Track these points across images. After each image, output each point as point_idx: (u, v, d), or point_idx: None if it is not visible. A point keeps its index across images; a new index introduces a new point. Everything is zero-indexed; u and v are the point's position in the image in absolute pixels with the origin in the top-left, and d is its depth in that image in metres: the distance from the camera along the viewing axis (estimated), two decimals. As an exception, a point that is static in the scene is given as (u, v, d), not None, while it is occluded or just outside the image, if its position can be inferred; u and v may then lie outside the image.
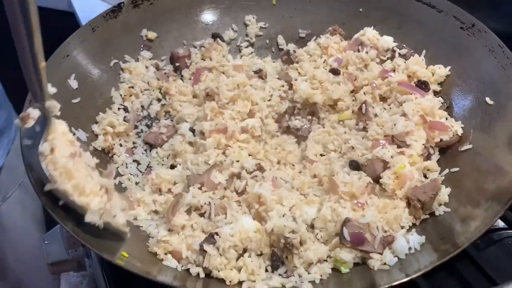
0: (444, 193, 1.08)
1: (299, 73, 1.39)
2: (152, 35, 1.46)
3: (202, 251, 0.99)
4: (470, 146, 1.15)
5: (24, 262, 1.77)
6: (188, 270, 1.00)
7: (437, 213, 1.06)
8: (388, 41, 1.41)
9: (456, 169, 1.13)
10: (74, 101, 1.27)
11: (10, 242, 1.78)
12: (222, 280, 0.98)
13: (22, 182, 1.74)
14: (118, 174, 1.24)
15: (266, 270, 1.02)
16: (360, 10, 1.49)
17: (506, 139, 1.09)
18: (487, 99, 1.18)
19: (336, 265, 1.00)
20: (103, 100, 1.34)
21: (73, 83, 1.28)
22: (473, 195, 1.05)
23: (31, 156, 0.92)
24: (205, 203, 1.09)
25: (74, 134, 1.21)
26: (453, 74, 1.30)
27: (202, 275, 0.99)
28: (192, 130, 1.29)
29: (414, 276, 0.90)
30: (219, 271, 0.99)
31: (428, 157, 1.17)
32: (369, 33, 1.43)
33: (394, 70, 1.34)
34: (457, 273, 0.96)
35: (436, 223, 1.05)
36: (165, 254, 1.03)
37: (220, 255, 0.99)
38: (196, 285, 0.96)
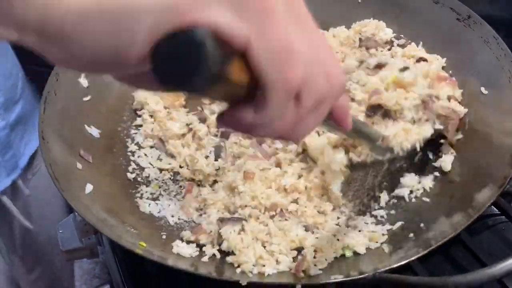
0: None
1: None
2: (158, 30, 1.50)
3: (219, 222, 1.09)
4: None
5: (49, 238, 1.84)
6: (201, 255, 1.06)
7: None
8: (388, 33, 1.45)
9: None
10: (85, 99, 1.32)
11: (37, 218, 1.84)
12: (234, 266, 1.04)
13: None
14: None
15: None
16: (359, 1, 1.53)
17: (500, 128, 1.15)
18: (482, 89, 1.23)
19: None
20: (113, 97, 1.39)
21: (84, 82, 1.33)
22: (467, 183, 1.10)
23: None
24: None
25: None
26: (449, 65, 1.34)
27: (217, 254, 1.05)
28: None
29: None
30: (231, 252, 1.05)
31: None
32: (371, 24, 1.47)
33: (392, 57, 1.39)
34: (451, 257, 1.03)
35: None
36: (181, 241, 1.10)
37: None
38: (211, 271, 1.01)
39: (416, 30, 1.42)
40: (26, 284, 1.83)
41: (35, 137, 1.77)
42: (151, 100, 1.37)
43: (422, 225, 1.06)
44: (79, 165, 1.17)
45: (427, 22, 1.41)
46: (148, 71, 0.53)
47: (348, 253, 1.05)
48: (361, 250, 1.04)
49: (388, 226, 1.09)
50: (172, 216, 1.19)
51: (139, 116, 1.38)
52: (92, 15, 0.49)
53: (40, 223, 1.84)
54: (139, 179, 1.28)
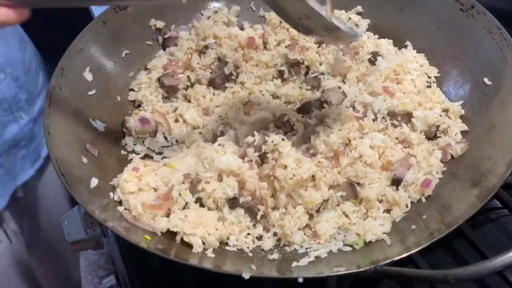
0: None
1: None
2: (160, 24, 1.50)
3: None
4: (468, 128, 1.21)
5: (55, 230, 1.86)
6: (206, 249, 1.07)
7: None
8: None
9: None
10: (90, 93, 1.33)
11: (44, 210, 1.87)
12: (236, 254, 1.07)
13: None
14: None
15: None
16: (365, -9, 1.52)
17: (503, 120, 1.14)
18: (485, 79, 1.23)
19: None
20: (117, 90, 1.40)
21: (88, 76, 1.34)
22: (469, 176, 1.10)
23: None
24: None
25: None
26: (452, 55, 1.34)
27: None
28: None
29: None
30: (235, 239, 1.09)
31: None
32: None
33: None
34: (453, 250, 1.03)
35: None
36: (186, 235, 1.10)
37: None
38: (215, 265, 1.02)
39: (419, 21, 1.42)
40: (36, 276, 1.86)
41: None
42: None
43: (424, 217, 1.06)
44: (84, 159, 1.18)
45: (431, 13, 1.40)
46: None
47: (360, 245, 1.05)
48: (372, 238, 1.05)
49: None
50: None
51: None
52: None
53: (47, 216, 1.86)
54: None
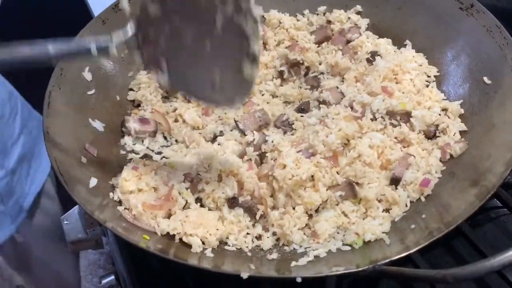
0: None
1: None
2: (160, 24, 1.50)
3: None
4: (466, 128, 1.21)
5: (46, 239, 1.86)
6: (205, 249, 1.07)
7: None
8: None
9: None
10: (89, 92, 1.33)
11: (32, 222, 1.86)
12: (235, 254, 1.08)
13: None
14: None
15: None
16: (364, -10, 1.52)
17: (502, 118, 1.14)
18: (485, 78, 1.23)
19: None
20: (116, 90, 1.40)
21: (88, 75, 1.34)
22: (468, 175, 1.10)
23: None
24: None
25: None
26: (452, 54, 1.34)
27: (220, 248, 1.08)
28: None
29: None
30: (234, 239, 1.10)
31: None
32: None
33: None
34: (453, 250, 1.03)
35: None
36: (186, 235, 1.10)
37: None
38: (214, 264, 1.02)
39: (419, 19, 1.42)
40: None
41: (41, 169, 1.74)
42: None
43: (423, 216, 1.06)
44: (83, 159, 1.18)
45: (430, 12, 1.40)
46: None
47: (358, 244, 1.05)
48: (371, 237, 1.05)
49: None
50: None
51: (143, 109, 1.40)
52: None
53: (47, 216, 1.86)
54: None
